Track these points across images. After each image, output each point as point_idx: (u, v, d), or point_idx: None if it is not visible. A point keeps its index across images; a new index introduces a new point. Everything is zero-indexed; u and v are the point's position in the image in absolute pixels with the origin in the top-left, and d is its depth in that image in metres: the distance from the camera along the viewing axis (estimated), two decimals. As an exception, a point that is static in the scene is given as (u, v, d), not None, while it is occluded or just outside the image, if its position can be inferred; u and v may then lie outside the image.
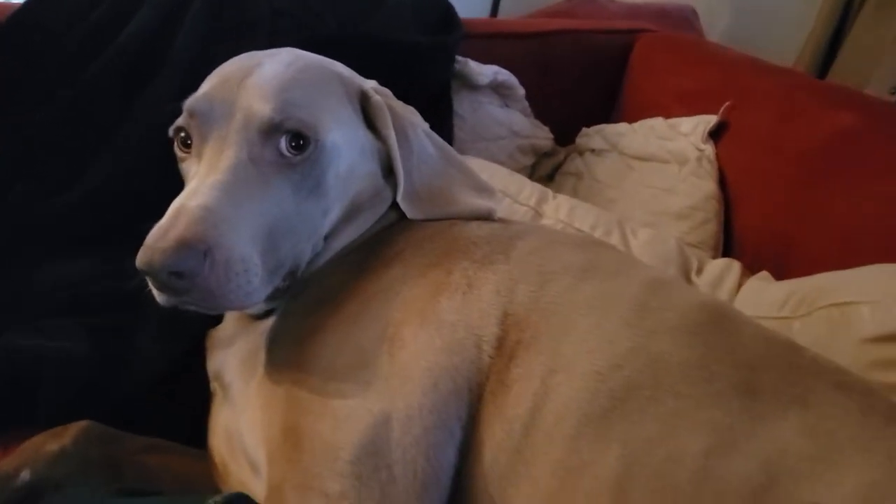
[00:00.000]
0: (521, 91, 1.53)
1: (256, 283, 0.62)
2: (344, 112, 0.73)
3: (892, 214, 0.99)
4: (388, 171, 0.78)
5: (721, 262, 1.09)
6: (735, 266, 1.07)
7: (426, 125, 0.85)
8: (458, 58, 1.41)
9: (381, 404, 0.59)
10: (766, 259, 1.13)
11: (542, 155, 1.59)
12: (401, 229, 0.77)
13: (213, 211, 0.59)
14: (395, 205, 0.79)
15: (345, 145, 0.71)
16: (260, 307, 0.76)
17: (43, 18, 1.12)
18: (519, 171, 1.45)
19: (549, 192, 1.21)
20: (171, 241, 0.56)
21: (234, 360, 0.75)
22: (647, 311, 0.64)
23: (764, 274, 1.04)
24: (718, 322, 0.64)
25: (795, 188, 1.13)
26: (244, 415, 0.70)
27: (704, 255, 1.18)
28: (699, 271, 1.07)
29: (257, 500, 0.63)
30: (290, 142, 0.66)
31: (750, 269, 1.09)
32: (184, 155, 0.71)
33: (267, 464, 0.62)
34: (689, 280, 1.06)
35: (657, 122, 1.41)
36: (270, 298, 0.71)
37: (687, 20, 2.27)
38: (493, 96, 1.49)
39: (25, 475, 0.67)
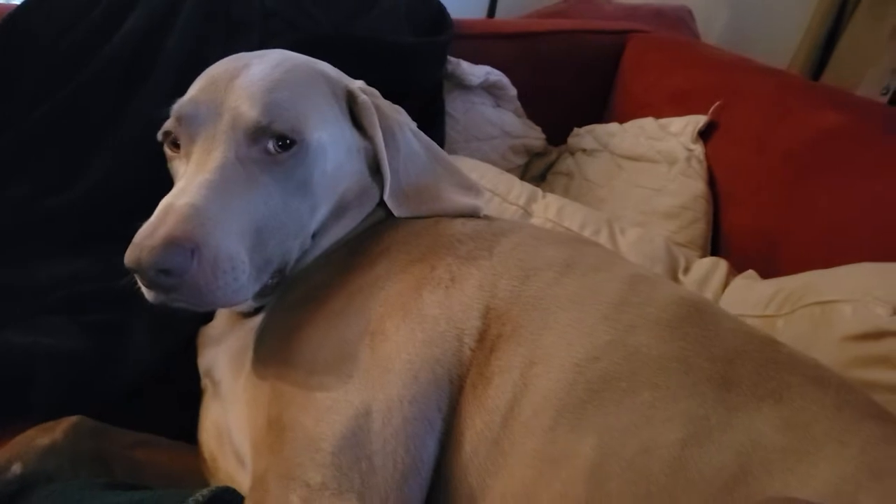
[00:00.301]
0: (513, 91, 1.54)
1: (244, 280, 0.62)
2: (330, 112, 0.74)
3: (879, 213, 1.00)
4: (375, 170, 0.80)
5: (708, 260, 1.10)
6: (722, 265, 1.08)
7: (413, 124, 0.86)
8: (450, 58, 1.42)
9: (361, 396, 0.60)
10: (754, 258, 1.14)
11: (534, 155, 1.60)
12: (388, 227, 0.78)
13: (200, 209, 0.60)
14: (382, 202, 0.80)
15: (331, 144, 0.72)
16: (249, 305, 0.77)
17: (39, 20, 1.13)
18: (511, 170, 1.46)
19: (539, 191, 1.22)
20: (158, 240, 0.56)
21: (224, 357, 0.77)
22: (626, 306, 0.65)
23: (750, 273, 1.05)
24: (697, 317, 0.65)
25: (783, 187, 1.14)
26: (232, 410, 0.72)
27: (692, 254, 1.19)
28: (686, 270, 1.08)
29: (243, 493, 0.64)
30: (276, 142, 0.67)
31: (738, 268, 1.10)
32: (173, 155, 0.72)
33: (252, 455, 0.63)
34: (675, 279, 1.07)
35: (647, 123, 1.42)
36: (260, 296, 0.73)
37: (683, 21, 2.28)
38: (485, 96, 1.50)
39: (17, 468, 0.68)
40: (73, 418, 0.74)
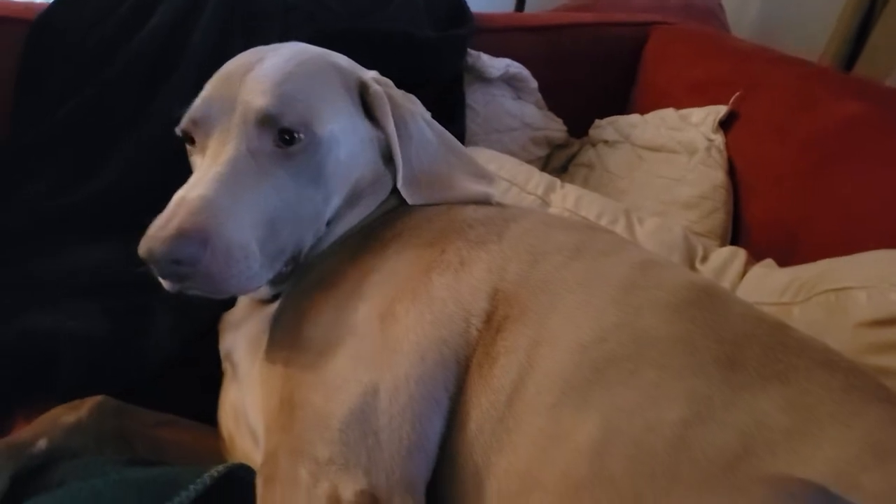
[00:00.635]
0: (534, 84, 1.54)
1: (256, 268, 0.65)
2: (342, 103, 0.76)
3: (900, 202, 0.99)
4: (389, 159, 0.81)
5: (726, 250, 1.09)
6: (740, 254, 1.07)
7: (427, 114, 0.88)
8: (471, 51, 1.44)
9: (370, 375, 0.61)
10: (773, 247, 1.13)
11: (555, 147, 1.60)
12: (401, 214, 0.80)
13: (211, 201, 0.62)
14: (395, 190, 0.81)
15: (342, 135, 0.74)
16: (266, 291, 0.79)
17: (68, 18, 1.17)
18: (532, 162, 1.47)
19: (557, 181, 1.22)
20: (170, 231, 0.59)
21: (243, 341, 0.79)
22: (635, 289, 0.65)
23: (768, 261, 1.04)
24: (707, 301, 0.65)
25: (804, 177, 1.13)
26: (249, 391, 0.74)
27: (712, 243, 1.18)
28: (704, 259, 1.08)
29: (257, 470, 0.66)
30: (285, 134, 0.69)
31: (758, 258, 1.09)
32: (191, 149, 0.75)
33: (264, 433, 0.65)
34: (693, 267, 1.06)
35: (668, 113, 1.41)
36: (276, 282, 0.75)
37: (712, 13, 2.26)
38: (505, 89, 1.51)
39: (43, 443, 0.71)
40: (98, 398, 0.77)
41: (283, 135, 0.69)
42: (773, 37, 2.42)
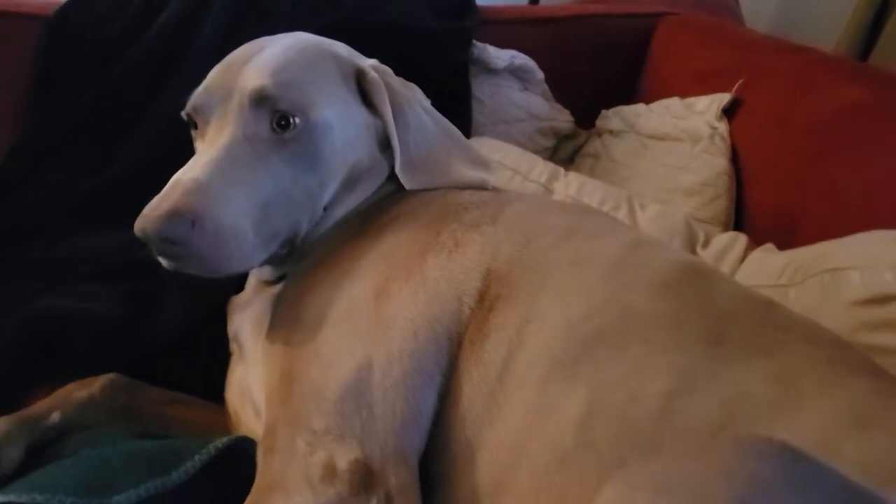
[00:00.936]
0: (540, 75, 1.56)
1: (248, 249, 0.67)
2: (338, 90, 0.78)
3: (900, 187, 0.99)
4: (386, 145, 0.83)
5: (727, 235, 1.10)
6: (741, 239, 1.08)
7: (427, 101, 0.90)
8: (476, 43, 1.45)
9: (364, 350, 0.64)
10: (776, 233, 1.13)
11: (562, 137, 1.62)
12: (398, 198, 0.82)
13: (203, 184, 0.64)
14: (393, 175, 0.83)
15: (338, 122, 0.76)
16: (270, 273, 0.82)
17: (84, 12, 1.21)
18: (539, 153, 1.48)
19: (561, 170, 1.24)
20: (161, 211, 0.62)
21: (248, 321, 0.81)
22: (624, 268, 0.67)
23: (768, 246, 1.05)
24: (694, 279, 0.66)
25: (805, 163, 1.13)
26: (252, 369, 0.76)
27: (714, 229, 1.19)
28: (705, 244, 1.09)
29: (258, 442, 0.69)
30: (280, 120, 0.71)
31: (759, 244, 1.10)
32: (195, 134, 0.78)
33: (265, 407, 0.68)
34: (694, 253, 1.07)
35: (673, 102, 1.42)
36: (277, 264, 0.78)
37: (726, 6, 2.24)
38: (511, 80, 1.53)
39: (56, 416, 0.75)
40: (110, 375, 0.81)
41: (278, 119, 0.71)
42: (789, 31, 2.40)
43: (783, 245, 1.07)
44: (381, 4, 1.29)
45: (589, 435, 0.56)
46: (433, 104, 0.91)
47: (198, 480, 0.65)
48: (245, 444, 0.69)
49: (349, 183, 0.80)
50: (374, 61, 0.85)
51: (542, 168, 1.22)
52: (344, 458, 0.58)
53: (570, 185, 1.18)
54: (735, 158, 1.28)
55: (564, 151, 1.62)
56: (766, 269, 0.96)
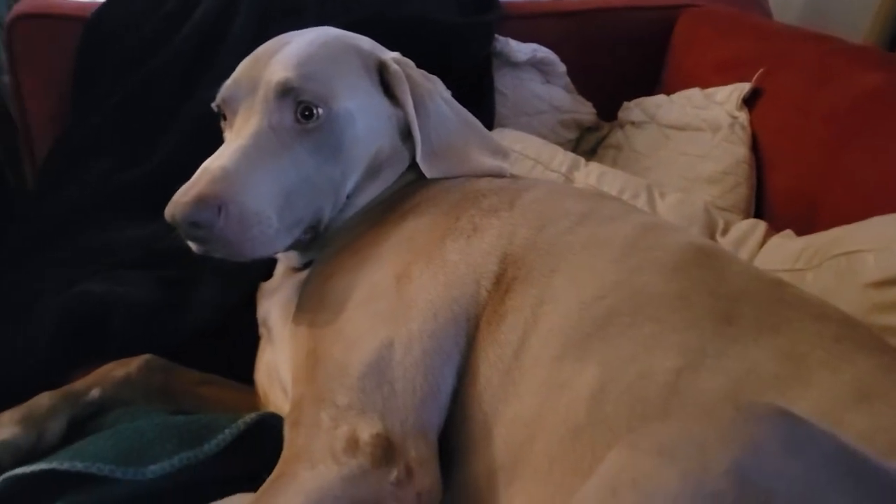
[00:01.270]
0: (562, 67, 1.57)
1: (272, 234, 0.70)
2: (360, 82, 0.81)
3: (919, 173, 0.99)
4: (407, 135, 0.86)
5: (747, 222, 1.11)
6: (760, 226, 1.09)
7: (447, 93, 0.92)
8: (498, 37, 1.47)
9: (385, 330, 0.67)
10: (795, 220, 1.13)
11: (585, 129, 1.63)
12: (419, 186, 0.85)
13: (230, 171, 0.68)
14: (414, 164, 0.86)
15: (360, 113, 0.79)
16: (297, 259, 0.86)
17: (122, 12, 1.26)
18: (562, 145, 1.49)
19: (581, 160, 1.25)
20: (189, 197, 0.65)
21: (277, 306, 0.85)
22: (636, 250, 0.69)
23: (787, 232, 1.06)
24: (705, 260, 0.68)
25: (825, 150, 1.13)
26: (280, 351, 0.80)
27: (734, 217, 1.19)
28: (725, 231, 1.10)
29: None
30: (303, 111, 0.74)
31: (778, 231, 1.10)
32: (224, 124, 0.81)
33: (291, 384, 0.71)
34: (713, 239, 1.08)
35: (694, 93, 1.42)
36: (303, 250, 0.82)
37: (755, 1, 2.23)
38: (533, 73, 1.55)
39: (95, 393, 0.79)
40: (146, 356, 0.85)
41: (302, 110, 0.74)
42: (818, 22, 2.37)
43: (802, 232, 1.08)
44: (406, 0, 1.32)
45: (601, 410, 0.58)
46: (457, 97, 0.93)
47: (228, 453, 0.69)
48: (273, 420, 0.72)
49: (371, 171, 0.83)
50: (395, 54, 0.88)
51: (562, 158, 1.24)
52: (366, 432, 0.60)
53: (590, 174, 1.20)
54: (755, 147, 1.29)
55: (587, 143, 1.63)
56: (783, 253, 0.97)
